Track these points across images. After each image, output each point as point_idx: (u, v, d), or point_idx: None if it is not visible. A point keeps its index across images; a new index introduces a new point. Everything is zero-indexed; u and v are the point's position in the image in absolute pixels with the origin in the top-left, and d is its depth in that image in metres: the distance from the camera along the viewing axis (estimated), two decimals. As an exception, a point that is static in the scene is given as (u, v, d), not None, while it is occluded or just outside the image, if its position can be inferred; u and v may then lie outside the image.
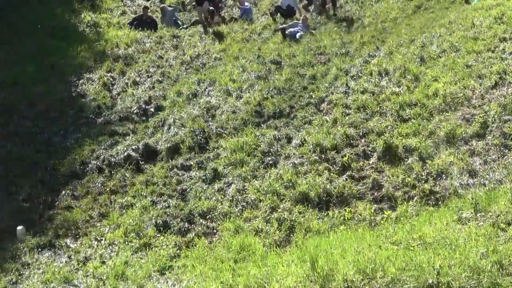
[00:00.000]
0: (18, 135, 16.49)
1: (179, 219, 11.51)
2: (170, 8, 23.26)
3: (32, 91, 18.15)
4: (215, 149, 13.41)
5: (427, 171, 10.90)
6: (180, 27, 22.06)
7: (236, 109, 14.73)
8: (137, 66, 19.01)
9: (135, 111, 16.47)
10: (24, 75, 18.99)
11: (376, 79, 14.23)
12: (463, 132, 11.41)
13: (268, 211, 11.01)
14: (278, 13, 21.75)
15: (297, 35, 18.99)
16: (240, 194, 11.68)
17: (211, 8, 21.79)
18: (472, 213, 8.67)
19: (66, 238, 12.02)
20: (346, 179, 11.38)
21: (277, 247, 9.91)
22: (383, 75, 14.38)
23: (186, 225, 11.33)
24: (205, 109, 15.06)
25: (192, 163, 13.13)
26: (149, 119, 15.90)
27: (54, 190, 13.78)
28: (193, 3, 22.88)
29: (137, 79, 18.23)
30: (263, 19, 22.14)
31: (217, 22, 21.49)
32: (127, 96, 17.20)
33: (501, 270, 7.10)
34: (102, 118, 16.42)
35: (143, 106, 16.66)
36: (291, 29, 19.44)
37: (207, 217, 11.38)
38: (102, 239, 11.54)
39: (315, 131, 12.96)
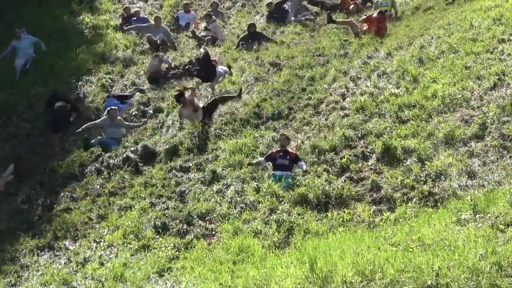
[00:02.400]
0: (17, 137, 16.52)
1: (177, 221, 11.50)
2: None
3: (31, 93, 18.17)
4: (214, 151, 13.40)
5: (426, 172, 10.89)
6: None
7: (235, 111, 14.72)
8: (136, 68, 19.02)
9: (133, 113, 16.48)
10: (23, 76, 19.02)
11: (375, 81, 14.23)
12: (462, 134, 11.40)
13: (267, 213, 10.99)
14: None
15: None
16: (239, 195, 11.66)
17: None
18: (471, 214, 8.66)
19: (65, 240, 12.02)
20: (345, 181, 11.37)
21: (276, 249, 9.89)
22: (382, 76, 14.37)
23: (185, 227, 11.31)
24: (204, 111, 15.05)
25: (190, 164, 13.12)
26: (148, 121, 15.90)
27: (53, 192, 13.80)
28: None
29: (136, 81, 18.24)
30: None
31: None
32: (125, 97, 17.21)
33: (500, 271, 7.09)
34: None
35: (142, 107, 16.67)
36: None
37: (206, 218, 11.36)
38: (101, 241, 11.52)
39: (313, 132, 12.96)
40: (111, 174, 13.80)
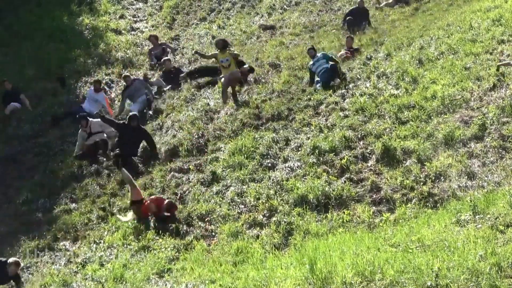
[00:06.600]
0: (17, 139, 16.52)
1: (177, 222, 11.50)
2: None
3: (31, 94, 18.18)
4: (214, 152, 13.40)
5: (426, 173, 10.89)
6: None
7: (235, 112, 14.72)
8: (136, 69, 19.04)
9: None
10: (23, 78, 19.03)
11: (375, 82, 14.24)
12: (462, 134, 11.41)
13: (266, 214, 11.00)
14: None
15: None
16: (239, 196, 11.66)
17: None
18: (470, 215, 8.66)
19: (65, 241, 12.03)
20: (345, 182, 11.36)
21: (276, 250, 9.89)
22: (382, 77, 14.39)
23: (185, 228, 11.31)
24: (203, 112, 15.05)
25: (190, 166, 13.12)
26: (148, 122, 15.91)
27: (53, 193, 13.79)
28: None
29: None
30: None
31: None
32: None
33: (499, 272, 7.10)
34: (100, 121, 16.41)
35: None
36: None
37: (206, 220, 11.37)
38: (100, 242, 11.53)
39: (313, 133, 12.96)
40: (110, 175, 13.81)
